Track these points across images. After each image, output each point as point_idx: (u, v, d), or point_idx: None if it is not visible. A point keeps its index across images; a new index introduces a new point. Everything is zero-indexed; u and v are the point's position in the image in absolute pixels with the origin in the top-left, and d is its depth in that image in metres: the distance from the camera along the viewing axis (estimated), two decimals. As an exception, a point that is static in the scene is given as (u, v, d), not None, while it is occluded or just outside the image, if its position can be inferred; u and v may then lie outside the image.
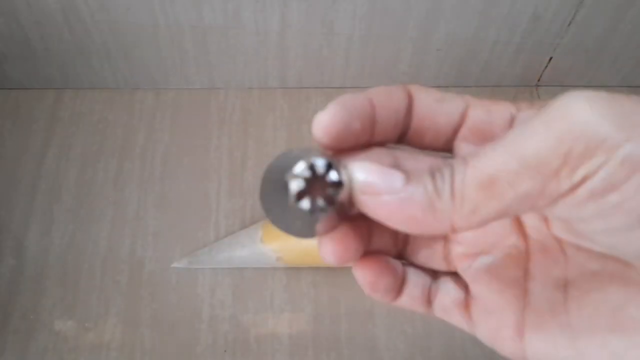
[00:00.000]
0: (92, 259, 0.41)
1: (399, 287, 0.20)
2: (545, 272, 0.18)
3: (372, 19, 0.43)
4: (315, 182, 0.16)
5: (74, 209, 0.43)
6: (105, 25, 0.42)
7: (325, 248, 0.18)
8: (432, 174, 0.16)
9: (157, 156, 0.45)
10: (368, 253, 0.19)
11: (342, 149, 0.18)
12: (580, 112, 0.14)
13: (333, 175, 0.16)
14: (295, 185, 0.16)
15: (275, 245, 0.39)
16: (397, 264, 0.20)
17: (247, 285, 0.41)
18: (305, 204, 0.16)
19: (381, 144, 0.19)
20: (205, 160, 0.45)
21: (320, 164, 0.16)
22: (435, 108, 0.19)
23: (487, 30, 0.44)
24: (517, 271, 0.19)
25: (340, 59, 0.46)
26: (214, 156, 0.46)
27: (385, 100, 0.18)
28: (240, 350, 0.38)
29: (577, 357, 0.17)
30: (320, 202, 0.16)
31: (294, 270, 0.41)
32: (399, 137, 0.19)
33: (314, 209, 0.16)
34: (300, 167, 0.16)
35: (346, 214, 0.17)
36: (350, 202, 0.16)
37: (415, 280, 0.20)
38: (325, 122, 0.17)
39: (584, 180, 0.14)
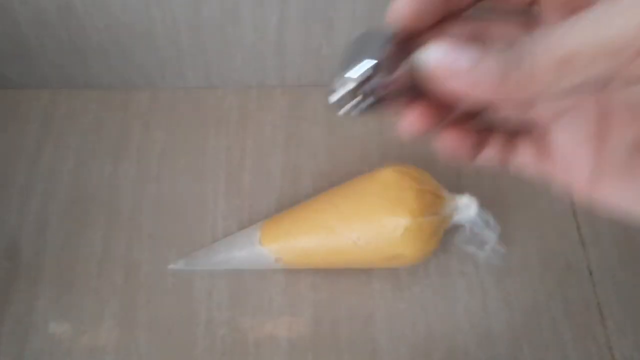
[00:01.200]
0: (87, 261, 0.40)
1: (477, 150, 0.21)
2: (626, 130, 0.18)
3: (371, 16, 0.42)
4: (360, 87, 0.17)
5: (69, 210, 0.42)
6: (101, 24, 0.42)
7: (402, 123, 0.19)
8: (511, 45, 0.16)
9: (153, 156, 0.45)
10: (451, 121, 0.20)
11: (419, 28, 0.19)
12: None
13: (375, 81, 0.17)
14: (335, 97, 0.18)
15: (274, 247, 0.38)
16: (476, 131, 0.21)
17: (245, 288, 0.40)
18: (346, 109, 0.18)
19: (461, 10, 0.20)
20: (202, 161, 0.45)
21: (364, 71, 0.17)
22: None
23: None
24: (598, 126, 0.19)
25: (339, 57, 0.46)
26: (212, 156, 0.45)
27: None
28: (238, 354, 0.38)
29: None
30: (363, 105, 0.18)
31: (293, 272, 0.40)
32: None
33: (357, 113, 0.18)
34: (344, 80, 0.18)
35: (420, 92, 0.18)
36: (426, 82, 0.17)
37: (493, 142, 0.21)
38: (400, 12, 0.18)
39: None
